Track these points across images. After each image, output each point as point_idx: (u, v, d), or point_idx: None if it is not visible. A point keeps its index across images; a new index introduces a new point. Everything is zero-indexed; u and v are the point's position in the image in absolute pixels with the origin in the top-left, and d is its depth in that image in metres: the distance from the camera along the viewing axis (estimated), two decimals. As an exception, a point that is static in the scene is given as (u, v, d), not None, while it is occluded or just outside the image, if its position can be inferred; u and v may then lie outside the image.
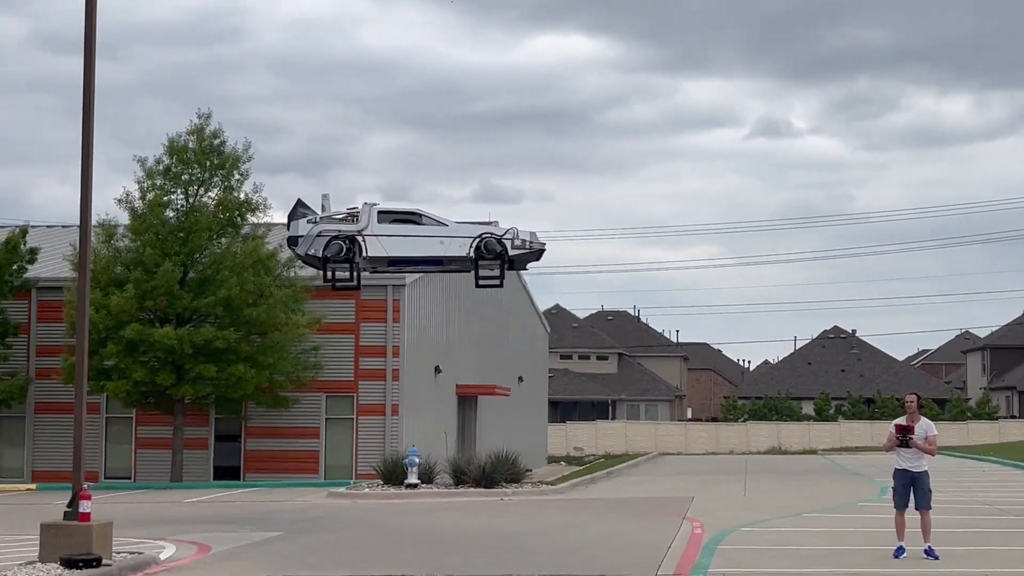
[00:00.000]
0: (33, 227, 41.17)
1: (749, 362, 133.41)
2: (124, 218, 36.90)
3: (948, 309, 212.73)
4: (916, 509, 16.93)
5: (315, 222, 24.86)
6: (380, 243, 24.71)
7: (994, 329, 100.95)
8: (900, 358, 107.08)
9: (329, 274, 25.38)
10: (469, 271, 25.51)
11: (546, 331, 62.84)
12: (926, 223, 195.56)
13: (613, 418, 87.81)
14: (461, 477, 32.66)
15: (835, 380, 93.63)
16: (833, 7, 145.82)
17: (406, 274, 35.77)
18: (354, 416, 37.76)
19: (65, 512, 16.99)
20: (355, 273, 25.03)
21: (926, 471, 17.11)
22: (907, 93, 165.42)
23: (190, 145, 36.59)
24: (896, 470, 17.19)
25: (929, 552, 16.61)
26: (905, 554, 16.65)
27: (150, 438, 38.27)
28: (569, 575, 15.95)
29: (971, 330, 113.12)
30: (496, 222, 26.62)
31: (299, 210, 25.20)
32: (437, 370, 41.01)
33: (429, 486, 32.27)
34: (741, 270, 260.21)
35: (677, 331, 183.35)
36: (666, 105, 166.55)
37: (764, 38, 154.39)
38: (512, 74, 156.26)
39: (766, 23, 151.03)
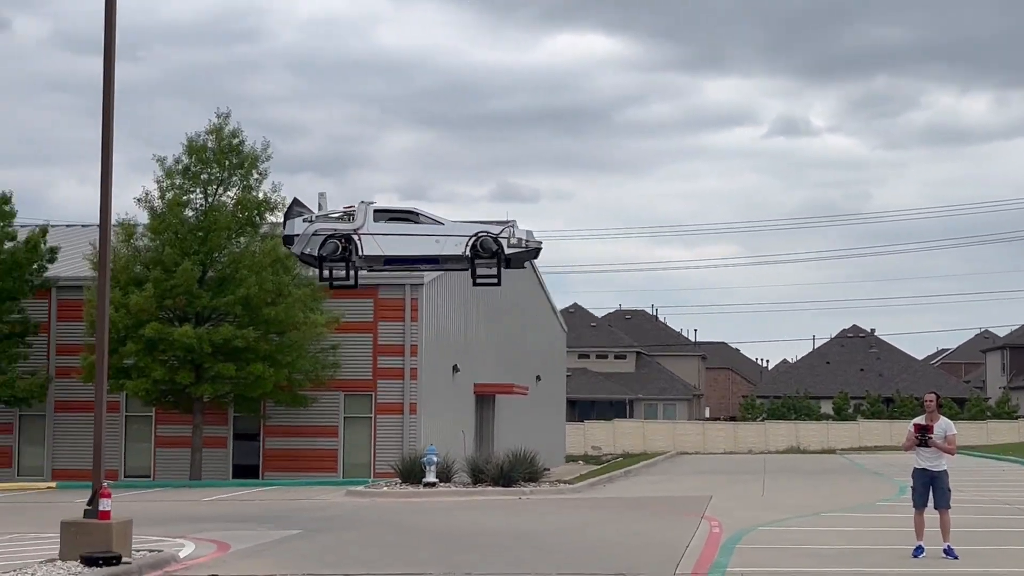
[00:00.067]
0: (53, 226, 41.31)
1: (767, 361, 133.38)
2: (143, 217, 37.08)
3: (967, 308, 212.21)
4: (935, 508, 16.85)
5: (311, 221, 24.84)
6: (376, 242, 24.68)
7: (1014, 328, 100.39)
8: (919, 357, 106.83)
9: (326, 273, 25.40)
10: (466, 269, 25.46)
11: (564, 330, 62.77)
12: (945, 222, 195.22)
13: (631, 417, 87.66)
14: (479, 476, 32.69)
15: (854, 379, 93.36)
16: (851, 5, 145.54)
17: (424, 273, 35.80)
18: (372, 415, 37.84)
19: (85, 510, 17.04)
20: (352, 272, 25.03)
21: (945, 470, 17.05)
22: (926, 91, 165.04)
23: (209, 145, 36.69)
24: (915, 469, 17.12)
25: (948, 552, 16.56)
26: (924, 554, 16.60)
27: (169, 436, 38.40)
28: (587, 574, 15.96)
29: (991, 329, 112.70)
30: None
31: (295, 209, 25.21)
32: (455, 369, 41.05)
33: (447, 485, 32.32)
34: (759, 269, 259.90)
35: (695, 330, 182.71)
36: (684, 104, 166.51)
37: (782, 36, 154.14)
38: (530, 73, 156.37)
39: (784, 21, 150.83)
